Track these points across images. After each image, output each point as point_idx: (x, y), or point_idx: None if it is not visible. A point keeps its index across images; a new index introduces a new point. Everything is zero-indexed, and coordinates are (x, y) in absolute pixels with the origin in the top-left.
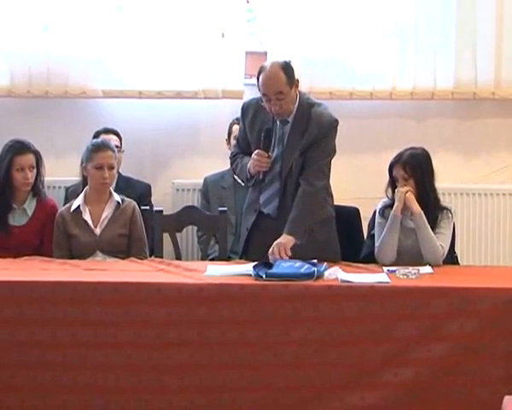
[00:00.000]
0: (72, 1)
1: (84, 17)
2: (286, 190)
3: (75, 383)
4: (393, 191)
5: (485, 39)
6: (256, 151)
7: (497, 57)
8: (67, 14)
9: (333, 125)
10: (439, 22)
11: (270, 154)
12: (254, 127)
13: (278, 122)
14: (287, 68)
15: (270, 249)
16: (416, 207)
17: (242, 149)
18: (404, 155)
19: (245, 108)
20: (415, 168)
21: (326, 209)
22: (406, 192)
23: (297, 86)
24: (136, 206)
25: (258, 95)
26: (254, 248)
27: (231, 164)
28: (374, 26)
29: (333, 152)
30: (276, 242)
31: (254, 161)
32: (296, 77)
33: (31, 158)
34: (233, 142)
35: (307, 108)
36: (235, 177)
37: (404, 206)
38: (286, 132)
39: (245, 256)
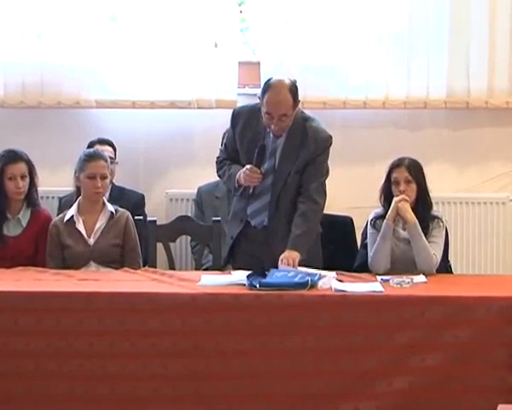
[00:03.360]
0: (66, 11)
1: (77, 27)
2: (278, 202)
3: (70, 393)
4: (385, 198)
5: (478, 48)
6: (249, 166)
7: (490, 66)
8: (61, 25)
9: (329, 141)
10: (432, 32)
11: (262, 170)
12: (245, 136)
13: (271, 135)
14: (294, 91)
15: (280, 261)
16: (410, 217)
17: (230, 155)
18: (405, 159)
19: (235, 116)
20: (417, 172)
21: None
22: (399, 201)
23: (297, 107)
24: (130, 216)
25: (251, 102)
26: (240, 257)
27: (217, 169)
28: (367, 36)
29: (327, 171)
30: (283, 255)
31: (246, 175)
32: (299, 99)
33: (22, 167)
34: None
35: (302, 122)
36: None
37: (396, 215)
38: (279, 146)
39: (229, 264)
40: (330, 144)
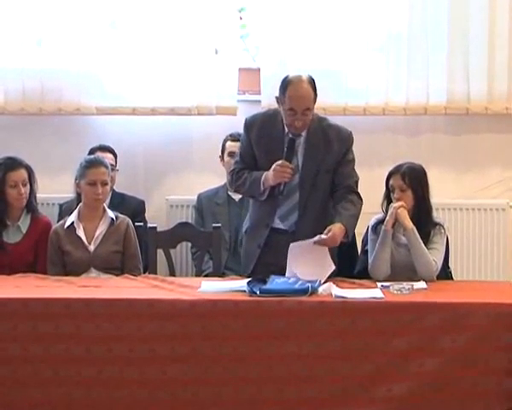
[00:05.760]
0: (66, 18)
1: (77, 34)
2: (307, 203)
3: (68, 399)
4: (388, 205)
5: (478, 54)
6: (279, 162)
7: (489, 72)
8: (61, 31)
9: (351, 138)
10: (432, 37)
11: (292, 165)
12: (262, 143)
13: (290, 135)
14: (313, 84)
15: (322, 239)
16: (408, 223)
17: (247, 164)
18: (403, 167)
19: (249, 124)
20: (413, 180)
21: None
22: (398, 208)
23: (316, 100)
24: (130, 222)
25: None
26: (265, 268)
27: (235, 181)
28: (366, 42)
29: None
30: (329, 228)
31: (277, 171)
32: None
33: (23, 173)
34: (227, 158)
35: (318, 122)
36: (229, 193)
37: (395, 221)
38: (299, 145)
39: (253, 275)
40: (353, 140)
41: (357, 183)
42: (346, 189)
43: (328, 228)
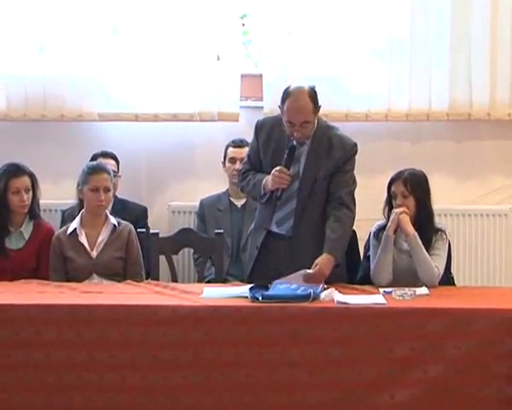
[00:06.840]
0: (68, 24)
1: (79, 40)
2: (305, 210)
3: (70, 405)
4: (390, 210)
5: (480, 60)
6: (278, 168)
7: (491, 78)
8: (63, 38)
9: (355, 149)
10: (434, 44)
11: (290, 172)
12: (269, 146)
13: (295, 142)
14: (314, 96)
15: (309, 273)
16: (410, 229)
17: (254, 165)
18: (405, 173)
19: (259, 127)
20: (415, 186)
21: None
22: (400, 213)
23: (318, 112)
24: (133, 229)
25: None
26: (263, 270)
27: (240, 181)
28: (368, 48)
29: (355, 181)
30: (316, 263)
31: (275, 177)
32: (319, 103)
33: (26, 180)
34: (228, 164)
35: (325, 130)
36: (232, 199)
37: (397, 227)
38: (303, 153)
39: (251, 277)
40: (356, 151)
41: (351, 192)
42: (336, 201)
43: (315, 262)
